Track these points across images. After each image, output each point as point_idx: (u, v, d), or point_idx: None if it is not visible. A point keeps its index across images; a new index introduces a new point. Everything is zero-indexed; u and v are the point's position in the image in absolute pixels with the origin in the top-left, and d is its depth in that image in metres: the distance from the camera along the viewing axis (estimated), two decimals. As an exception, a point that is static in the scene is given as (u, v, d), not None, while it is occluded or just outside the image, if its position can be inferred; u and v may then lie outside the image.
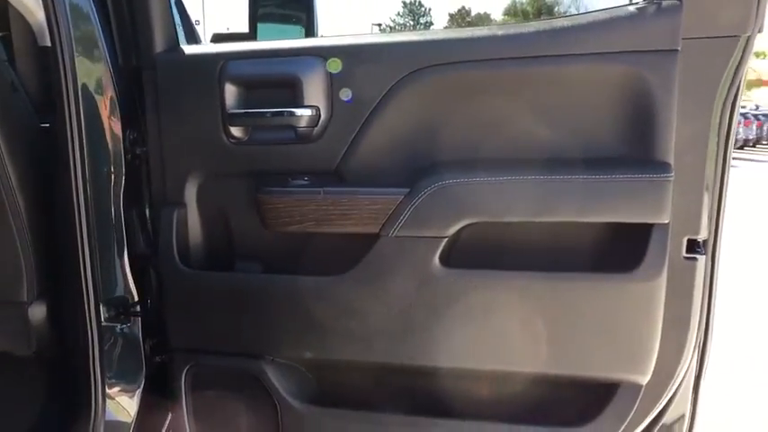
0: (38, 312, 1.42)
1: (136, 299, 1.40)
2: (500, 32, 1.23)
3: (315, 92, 1.29)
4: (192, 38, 2.19)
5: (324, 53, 1.29)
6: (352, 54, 1.29)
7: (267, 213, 1.32)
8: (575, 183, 1.18)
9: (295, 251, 1.39)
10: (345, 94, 1.28)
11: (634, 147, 1.19)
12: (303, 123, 1.30)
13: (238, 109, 1.34)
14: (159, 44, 1.39)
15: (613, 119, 1.20)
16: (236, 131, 1.34)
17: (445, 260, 1.25)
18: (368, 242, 1.28)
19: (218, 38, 2.80)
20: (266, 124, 1.34)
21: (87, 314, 1.26)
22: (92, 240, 1.25)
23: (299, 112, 1.29)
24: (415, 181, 1.25)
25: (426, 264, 1.25)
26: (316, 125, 1.30)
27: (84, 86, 1.23)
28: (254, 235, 1.41)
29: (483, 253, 1.28)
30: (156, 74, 1.37)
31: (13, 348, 1.41)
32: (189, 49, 1.39)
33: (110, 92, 1.37)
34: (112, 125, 1.36)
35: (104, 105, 1.33)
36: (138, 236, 1.48)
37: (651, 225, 1.17)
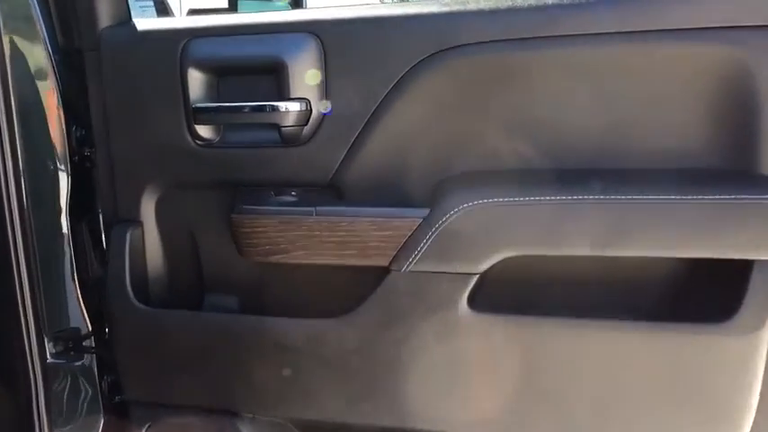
0: None
1: (89, 329, 1.17)
2: (551, 1, 0.92)
3: (304, 80, 0.99)
4: (165, 14, 1.88)
5: (316, 29, 0.99)
6: (354, 31, 0.98)
7: (244, 238, 1.02)
8: (655, 205, 0.88)
9: (280, 285, 1.09)
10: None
11: (732, 156, 0.89)
12: (289, 121, 1.00)
13: (206, 102, 1.04)
14: (104, 18, 1.08)
15: (706, 118, 0.90)
16: (203, 131, 1.05)
17: (475, 302, 0.96)
18: (374, 278, 0.98)
19: (194, 14, 2.44)
20: (242, 121, 1.04)
21: (28, 349, 1.09)
22: (31, 261, 1.06)
23: (283, 106, 0.99)
24: (437, 199, 0.95)
25: (450, 307, 0.95)
26: (305, 123, 1.00)
27: (17, 72, 1.03)
28: (229, 263, 1.12)
29: (524, 293, 0.98)
30: (100, 56, 1.07)
31: None
32: (143, 24, 1.07)
33: (50, 79, 1.11)
34: (54, 120, 1.12)
35: (43, 96, 1.10)
36: (89, 255, 1.24)
37: (752, 262, 0.87)
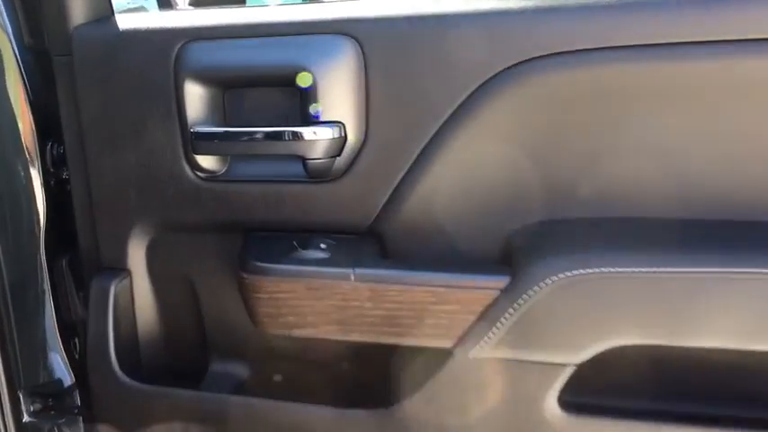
0: None
1: (73, 381, 0.98)
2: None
3: (338, 97, 0.74)
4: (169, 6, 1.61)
5: (354, 29, 0.74)
6: (406, 33, 0.74)
7: (257, 305, 0.79)
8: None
9: (302, 356, 0.86)
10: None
11: None
12: (318, 152, 0.76)
13: (208, 123, 0.80)
14: (77, 12, 0.83)
15: None
16: (205, 161, 0.81)
17: (567, 400, 0.72)
18: (432, 362, 0.74)
19: (198, 5, 2.15)
20: (255, 152, 0.80)
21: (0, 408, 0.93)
22: (1, 303, 0.89)
23: (310, 132, 0.75)
24: (520, 262, 0.71)
25: (534, 406, 0.72)
26: (338, 153, 0.76)
27: None
28: (238, 324, 0.88)
29: (630, 385, 0.74)
30: (72, 61, 0.82)
31: None
32: (127, 21, 0.83)
33: (17, 86, 0.89)
34: (23, 137, 0.90)
35: (9, 106, 0.89)
36: (71, 295, 1.03)
37: None
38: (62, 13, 0.82)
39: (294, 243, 0.79)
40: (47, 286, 0.94)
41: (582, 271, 0.66)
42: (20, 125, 0.91)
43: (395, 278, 0.73)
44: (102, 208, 0.88)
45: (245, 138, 0.77)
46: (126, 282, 0.90)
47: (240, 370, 0.91)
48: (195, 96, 0.79)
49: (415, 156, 0.75)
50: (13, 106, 0.90)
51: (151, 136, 0.82)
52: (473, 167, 0.75)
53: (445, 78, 0.72)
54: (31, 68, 0.96)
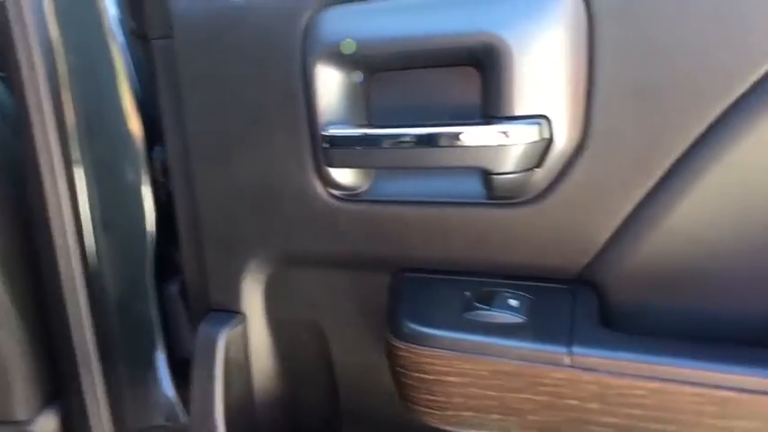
0: (45, 430, 0.97)
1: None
2: None
3: (543, 79, 0.48)
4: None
5: None
6: None
7: (411, 386, 0.54)
8: None
9: None
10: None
11: None
12: (508, 161, 0.50)
13: (347, 126, 0.56)
14: None
15: None
16: (341, 175, 0.57)
17: None
18: None
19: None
20: (412, 163, 0.55)
21: None
22: (102, 334, 0.79)
23: (496, 132, 0.49)
24: None
25: None
26: (538, 164, 0.49)
27: (77, 72, 0.71)
28: (382, 395, 0.64)
29: None
30: (173, 46, 0.63)
31: None
32: None
33: (122, 83, 0.74)
34: (132, 141, 0.77)
35: (111, 105, 0.75)
36: (184, 328, 0.88)
37: None
38: None
39: (467, 294, 0.54)
40: (156, 315, 0.82)
41: None
42: (129, 128, 0.75)
43: (644, 367, 0.45)
44: (209, 234, 0.68)
45: (396, 143, 0.53)
46: (239, 329, 0.70)
47: None
48: (330, 85, 0.55)
49: (663, 169, 0.47)
50: (119, 107, 0.74)
51: (270, 141, 0.60)
52: (758, 190, 0.45)
53: (717, 59, 0.43)
54: (135, 61, 0.81)
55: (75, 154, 0.75)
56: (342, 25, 0.54)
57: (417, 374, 0.52)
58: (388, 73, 0.55)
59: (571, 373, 0.46)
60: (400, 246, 0.58)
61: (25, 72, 0.70)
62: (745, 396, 0.41)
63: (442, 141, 0.51)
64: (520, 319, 0.51)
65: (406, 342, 0.52)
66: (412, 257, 0.58)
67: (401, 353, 0.53)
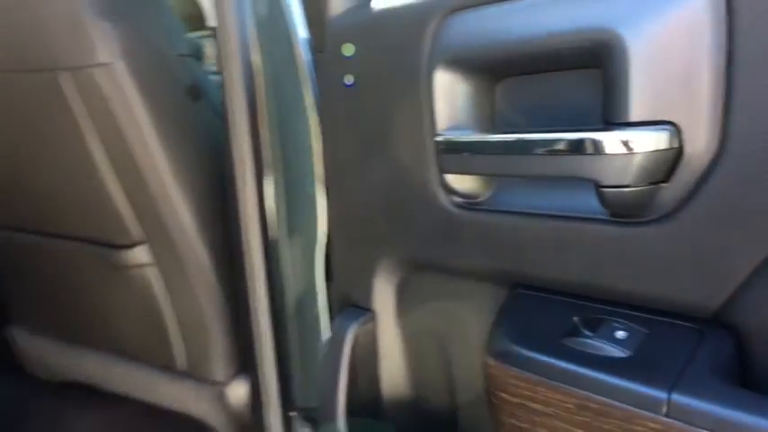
0: (236, 394, 1.16)
1: None
2: None
3: (671, 80, 0.41)
4: None
5: None
6: None
7: (500, 408, 0.50)
8: None
9: None
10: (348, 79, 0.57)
11: None
12: (628, 173, 0.44)
13: (467, 130, 0.55)
14: (335, 2, 0.68)
15: None
16: (461, 182, 0.55)
17: None
18: None
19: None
20: (519, 171, 0.51)
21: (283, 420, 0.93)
22: (277, 321, 0.88)
23: (614, 139, 0.43)
24: None
25: None
26: (665, 178, 0.42)
27: (269, 92, 0.81)
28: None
29: None
30: (324, 56, 0.68)
31: (217, 427, 1.19)
32: (380, 5, 0.64)
33: (308, 98, 0.83)
34: (309, 150, 0.83)
35: (298, 120, 0.83)
36: None
37: None
38: (320, 2, 0.68)
39: (575, 320, 0.48)
40: (323, 308, 0.87)
41: None
42: (311, 140, 0.82)
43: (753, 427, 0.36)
44: (348, 235, 0.71)
45: (502, 149, 0.50)
46: (369, 326, 0.72)
47: None
48: (453, 92, 0.55)
49: None
50: (308, 120, 0.82)
51: (398, 148, 0.61)
52: None
53: None
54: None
55: (267, 165, 0.85)
56: (466, 29, 0.53)
57: (503, 395, 0.48)
58: (510, 79, 0.53)
59: (666, 424, 0.39)
60: (514, 259, 0.54)
61: (229, 91, 0.81)
62: None
63: (551, 149, 0.47)
64: (623, 353, 0.44)
65: (496, 359, 0.49)
66: (525, 273, 0.54)
67: (490, 369, 0.49)
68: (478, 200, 0.56)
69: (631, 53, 0.42)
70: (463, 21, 0.53)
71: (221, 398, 1.17)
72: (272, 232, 0.91)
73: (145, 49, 0.92)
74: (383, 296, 0.70)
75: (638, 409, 0.41)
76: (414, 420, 0.75)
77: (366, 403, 0.73)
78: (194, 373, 1.17)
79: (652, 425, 0.40)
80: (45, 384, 1.47)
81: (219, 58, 0.83)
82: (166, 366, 1.21)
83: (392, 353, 0.73)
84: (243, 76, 0.81)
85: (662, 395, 0.40)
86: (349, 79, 0.65)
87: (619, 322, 0.47)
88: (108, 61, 0.86)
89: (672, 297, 0.46)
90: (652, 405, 0.40)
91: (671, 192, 0.44)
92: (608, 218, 0.47)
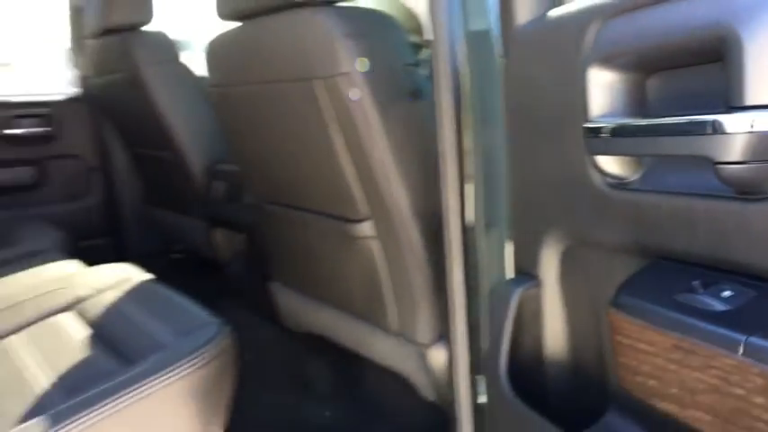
0: (436, 356, 1.32)
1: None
2: None
3: None
4: None
5: None
6: None
7: (619, 351, 0.60)
8: None
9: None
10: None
11: None
12: (735, 152, 0.51)
13: (615, 116, 0.65)
14: (522, 10, 0.81)
15: None
16: (611, 164, 0.66)
17: None
18: None
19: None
20: (662, 151, 0.60)
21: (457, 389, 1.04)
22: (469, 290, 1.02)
23: (723, 122, 0.51)
24: None
25: None
26: None
27: (476, 90, 0.97)
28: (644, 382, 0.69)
29: None
30: (510, 61, 0.82)
31: (418, 387, 1.36)
32: (558, 11, 0.75)
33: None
34: (499, 155, 1.01)
35: (496, 127, 0.99)
36: None
37: None
38: (508, 11, 0.82)
39: (694, 283, 0.56)
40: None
41: None
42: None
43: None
44: (523, 214, 0.84)
45: (635, 132, 0.59)
46: (533, 291, 0.83)
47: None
48: (607, 85, 0.65)
49: None
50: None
51: (561, 136, 0.73)
52: None
53: None
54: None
55: (468, 159, 1.01)
56: (617, 33, 0.63)
57: (618, 337, 0.58)
58: (659, 73, 0.61)
59: (741, 361, 0.46)
60: (653, 234, 0.63)
61: (438, 96, 0.98)
62: None
63: (678, 130, 0.55)
64: (723, 307, 0.51)
65: (614, 308, 0.59)
66: (662, 246, 0.62)
67: (609, 317, 0.59)
68: (627, 180, 0.65)
69: (746, 46, 0.49)
70: (617, 24, 0.63)
71: (423, 359, 1.35)
72: (470, 219, 1.06)
73: (377, 60, 1.14)
74: (548, 266, 0.81)
75: (722, 349, 0.48)
76: (571, 380, 0.84)
77: (528, 360, 0.85)
78: (403, 335, 1.37)
79: (728, 361, 0.47)
80: (293, 333, 1.81)
81: (432, 66, 1.01)
82: (381, 326, 1.42)
83: (554, 316, 0.83)
84: (451, 82, 0.98)
85: (740, 337, 0.47)
86: (525, 80, 0.77)
87: (731, 285, 0.53)
88: (348, 71, 1.11)
89: (746, 258, 0.51)
90: (730, 345, 0.47)
91: None
92: (732, 195, 0.54)
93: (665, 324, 0.53)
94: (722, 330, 0.48)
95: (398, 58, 1.19)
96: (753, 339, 0.46)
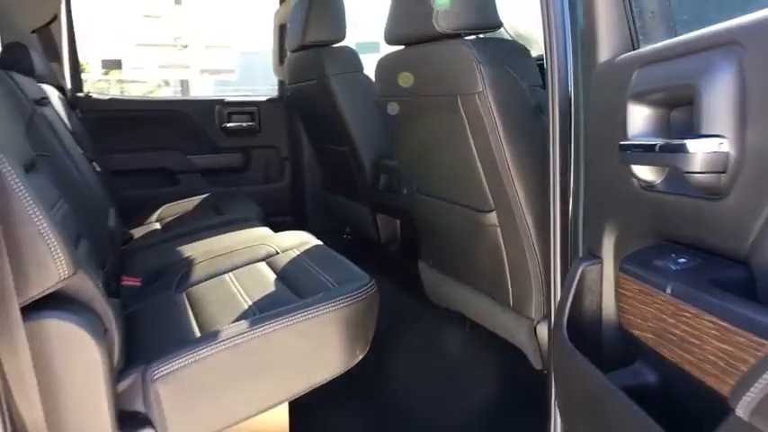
0: (543, 331, 1.54)
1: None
2: None
3: (719, 109, 0.73)
4: None
5: (738, 36, 0.70)
6: None
7: (618, 299, 0.85)
8: None
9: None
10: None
11: None
12: (696, 165, 0.76)
13: (638, 136, 0.90)
14: (604, 49, 1.05)
15: None
16: (641, 171, 0.91)
17: None
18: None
19: None
20: (653, 163, 0.85)
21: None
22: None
23: (691, 145, 0.76)
24: None
25: None
26: (723, 169, 0.74)
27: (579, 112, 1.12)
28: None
29: None
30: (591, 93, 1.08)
31: (528, 356, 1.59)
32: (620, 58, 1.00)
33: None
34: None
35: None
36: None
37: None
38: (591, 47, 1.05)
39: (672, 254, 0.80)
40: None
41: None
42: None
43: (695, 300, 0.66)
44: (593, 207, 1.08)
45: (645, 149, 0.84)
46: (595, 267, 1.05)
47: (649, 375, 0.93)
48: (636, 114, 0.89)
49: None
50: None
51: (613, 147, 0.97)
52: None
53: None
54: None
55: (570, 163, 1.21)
56: (642, 78, 0.87)
57: (619, 290, 0.83)
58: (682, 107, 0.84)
59: (667, 298, 0.71)
60: (663, 225, 0.86)
61: (550, 112, 1.22)
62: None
63: (666, 148, 0.79)
64: (676, 266, 0.76)
65: (620, 270, 0.84)
66: (665, 233, 0.85)
67: (616, 275, 0.85)
68: (653, 184, 0.88)
69: (702, 94, 0.72)
70: (644, 71, 0.87)
71: (533, 332, 1.60)
72: (572, 213, 1.27)
73: (505, 82, 1.43)
74: (606, 247, 1.04)
75: (659, 291, 0.72)
76: (617, 335, 1.05)
77: (588, 319, 1.08)
78: (519, 310, 1.63)
79: (662, 298, 0.71)
80: (434, 306, 2.13)
81: (547, 86, 1.26)
82: (502, 302, 1.70)
83: (609, 291, 1.06)
84: (558, 106, 1.22)
85: (666, 284, 0.70)
86: (598, 108, 1.02)
87: (689, 256, 0.76)
88: (481, 90, 1.41)
89: (722, 245, 0.73)
90: (662, 287, 0.71)
91: (726, 179, 0.71)
92: (702, 195, 0.76)
93: (642, 278, 0.78)
94: (657, 279, 0.73)
95: (524, 79, 1.47)
96: (676, 284, 0.70)
